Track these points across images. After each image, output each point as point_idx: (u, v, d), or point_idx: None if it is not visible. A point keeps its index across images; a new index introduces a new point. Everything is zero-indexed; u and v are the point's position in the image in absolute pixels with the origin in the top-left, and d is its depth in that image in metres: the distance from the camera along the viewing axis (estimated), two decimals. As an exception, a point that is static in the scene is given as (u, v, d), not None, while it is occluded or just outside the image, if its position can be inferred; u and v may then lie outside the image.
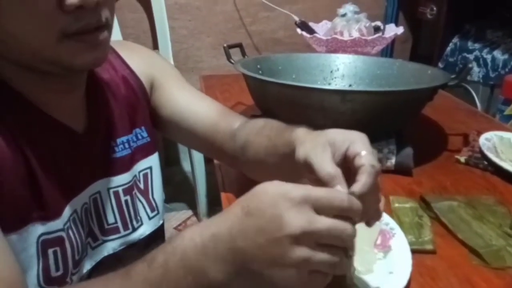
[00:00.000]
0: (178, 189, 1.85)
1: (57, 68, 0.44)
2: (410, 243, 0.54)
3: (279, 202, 0.34)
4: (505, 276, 0.52)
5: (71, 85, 0.50)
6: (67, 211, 0.48)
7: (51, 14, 0.40)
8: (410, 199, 0.67)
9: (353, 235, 0.36)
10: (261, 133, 0.58)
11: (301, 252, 0.34)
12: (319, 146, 0.43)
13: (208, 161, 1.54)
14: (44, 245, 0.45)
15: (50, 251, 0.46)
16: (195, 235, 0.37)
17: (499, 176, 0.75)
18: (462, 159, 0.81)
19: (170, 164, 1.94)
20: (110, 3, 0.45)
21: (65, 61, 0.43)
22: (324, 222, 0.34)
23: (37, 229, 0.45)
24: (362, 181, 0.38)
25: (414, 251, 0.53)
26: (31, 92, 0.46)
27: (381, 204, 0.43)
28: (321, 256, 0.34)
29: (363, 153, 0.41)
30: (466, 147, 0.84)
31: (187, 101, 0.65)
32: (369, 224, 0.42)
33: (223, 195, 0.70)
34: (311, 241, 0.34)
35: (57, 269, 0.47)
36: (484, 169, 0.78)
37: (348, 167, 0.41)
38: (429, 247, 0.56)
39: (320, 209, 0.35)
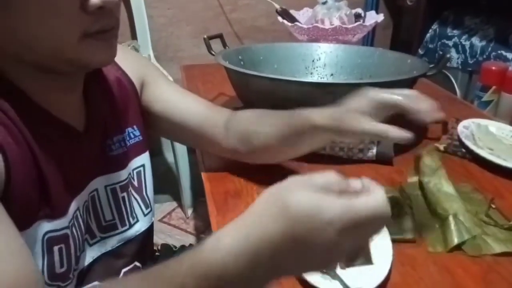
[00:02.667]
0: (161, 181, 1.84)
1: (73, 67, 0.46)
2: (391, 233, 0.55)
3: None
4: (481, 263, 0.54)
5: (72, 84, 0.51)
6: (72, 209, 0.49)
7: (74, 15, 0.41)
8: (391, 188, 0.68)
9: None
10: (264, 121, 0.64)
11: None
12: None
13: (191, 152, 1.53)
14: (50, 242, 0.46)
15: (56, 248, 0.47)
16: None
17: (477, 163, 0.77)
18: (441, 147, 0.82)
19: (152, 155, 1.93)
20: (120, 5, 0.47)
21: (83, 59, 0.44)
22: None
23: (44, 227, 0.45)
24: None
25: (394, 241, 0.55)
26: (36, 92, 0.46)
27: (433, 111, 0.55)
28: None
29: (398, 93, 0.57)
30: (445, 134, 0.86)
31: (177, 96, 0.67)
32: (426, 120, 0.54)
33: (204, 175, 0.73)
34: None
35: (62, 266, 0.48)
36: (463, 156, 0.80)
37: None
38: (409, 236, 0.57)
39: None
